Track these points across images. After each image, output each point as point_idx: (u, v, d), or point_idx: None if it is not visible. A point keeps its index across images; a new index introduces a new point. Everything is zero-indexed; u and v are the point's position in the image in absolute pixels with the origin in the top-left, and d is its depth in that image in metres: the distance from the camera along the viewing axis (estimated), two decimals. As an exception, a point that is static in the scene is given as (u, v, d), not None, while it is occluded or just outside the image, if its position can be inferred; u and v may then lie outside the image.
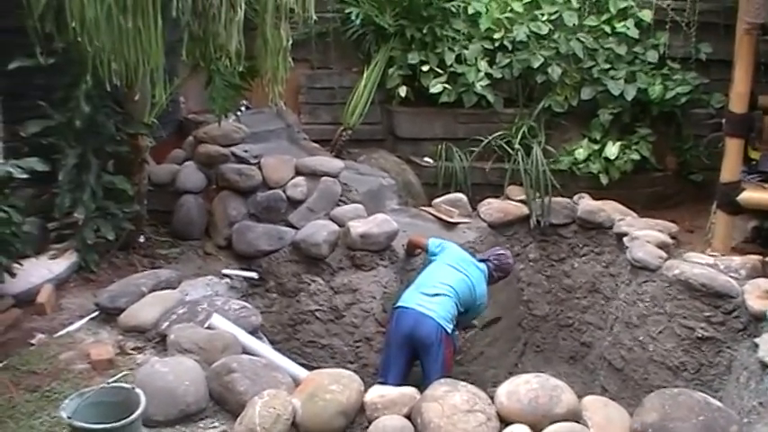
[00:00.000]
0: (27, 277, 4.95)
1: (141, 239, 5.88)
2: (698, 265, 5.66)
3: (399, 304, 5.38)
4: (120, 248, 5.66)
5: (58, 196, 5.21)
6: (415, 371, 5.37)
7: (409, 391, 3.81)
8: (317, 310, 5.93)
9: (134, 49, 4.58)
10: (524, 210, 6.97)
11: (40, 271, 5.09)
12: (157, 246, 5.97)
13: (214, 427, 3.72)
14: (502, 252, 5.96)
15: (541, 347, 7.12)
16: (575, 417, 3.59)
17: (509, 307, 6.89)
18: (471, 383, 3.89)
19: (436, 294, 5.31)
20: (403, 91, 7.43)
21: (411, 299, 5.32)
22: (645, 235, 6.16)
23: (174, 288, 5.08)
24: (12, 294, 4.81)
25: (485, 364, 6.47)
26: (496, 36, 7.41)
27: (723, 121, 6.30)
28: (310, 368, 5.56)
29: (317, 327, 5.93)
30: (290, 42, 5.28)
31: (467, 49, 7.40)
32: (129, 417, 3.32)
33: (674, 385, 5.40)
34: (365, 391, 3.81)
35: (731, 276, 5.52)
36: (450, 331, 5.28)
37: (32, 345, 4.44)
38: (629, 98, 7.13)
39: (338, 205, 6.27)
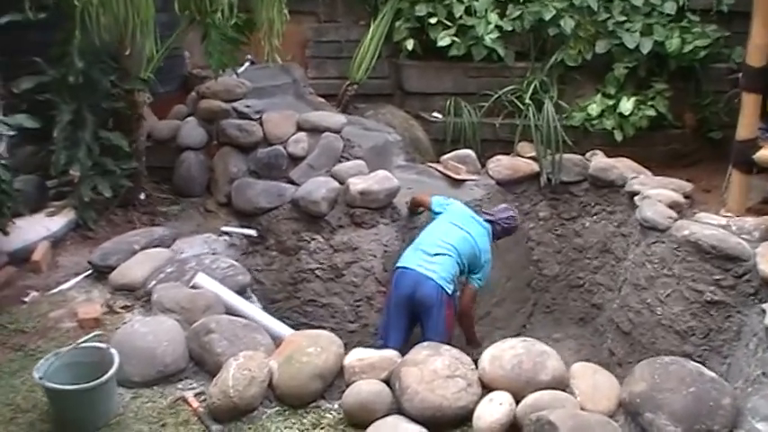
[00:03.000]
0: (23, 235, 4.96)
1: (142, 196, 5.86)
2: (709, 226, 5.44)
3: (399, 264, 5.26)
4: (119, 206, 5.64)
5: (54, 154, 5.17)
6: (416, 332, 5.28)
7: (390, 354, 3.71)
8: (317, 268, 5.84)
9: (123, 3, 4.51)
10: (535, 167, 6.80)
11: (36, 229, 5.09)
12: (158, 203, 5.94)
13: (192, 387, 3.67)
14: (511, 214, 5.73)
15: (551, 308, 6.99)
16: (560, 384, 3.47)
17: (518, 267, 6.76)
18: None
19: (437, 254, 5.17)
20: (410, 44, 7.28)
21: (412, 259, 5.20)
22: (657, 194, 5.95)
23: (168, 246, 5.03)
24: (7, 252, 4.81)
25: (491, 325, 6.35)
26: (507, -13, 7.20)
27: (740, 74, 6.01)
28: (310, 327, 5.57)
29: (317, 285, 5.85)
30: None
31: (476, 0, 7.19)
32: (101, 377, 3.29)
33: (681, 350, 5.28)
34: (346, 353, 3.70)
35: (743, 238, 5.29)
36: (450, 292, 5.16)
37: (25, 302, 4.45)
38: (645, 52, 6.86)
39: (340, 161, 6.13)
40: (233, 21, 5.06)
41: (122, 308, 4.37)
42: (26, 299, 4.48)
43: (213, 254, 5.06)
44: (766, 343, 4.34)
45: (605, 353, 6.08)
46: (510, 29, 7.17)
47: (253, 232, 5.82)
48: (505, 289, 6.53)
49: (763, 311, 4.51)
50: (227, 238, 5.66)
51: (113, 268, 4.63)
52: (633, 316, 5.77)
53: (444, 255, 5.17)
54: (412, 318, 5.19)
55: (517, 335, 6.35)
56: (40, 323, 4.20)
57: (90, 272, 4.77)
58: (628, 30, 6.96)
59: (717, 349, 5.22)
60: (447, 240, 5.24)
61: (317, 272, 5.85)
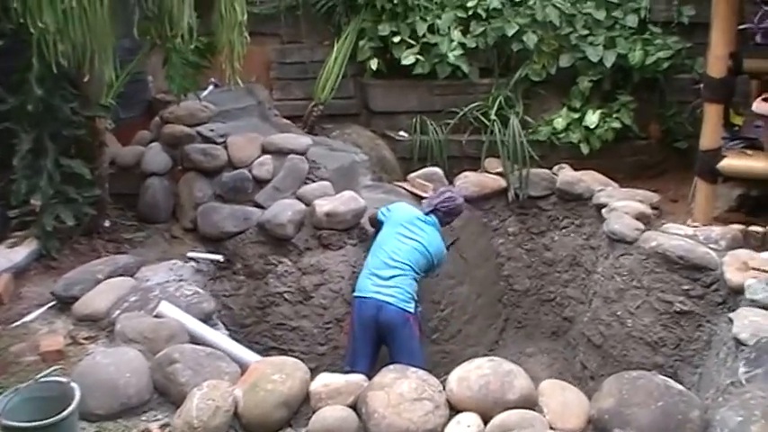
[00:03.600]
0: (-17, 266, 4.85)
1: (106, 224, 5.74)
2: (676, 237, 5.47)
3: (357, 294, 5.27)
4: (83, 234, 5.52)
5: (15, 183, 5.08)
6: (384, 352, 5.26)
7: (356, 378, 3.66)
8: (285, 291, 5.77)
9: (80, 30, 4.46)
10: (502, 182, 6.81)
11: (-2, 260, 4.98)
12: (122, 230, 5.84)
13: (156, 419, 3.58)
14: (448, 195, 5.67)
15: (523, 323, 6.98)
16: (529, 403, 3.44)
17: (488, 283, 6.75)
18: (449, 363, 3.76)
19: (391, 277, 5.16)
20: (375, 63, 7.28)
21: (366, 286, 5.19)
22: (623, 206, 5.98)
23: (132, 274, 4.93)
24: (-32, 285, 4.70)
25: (463, 343, 6.32)
26: (470, 4, 7.22)
27: (701, 86, 6.06)
28: (281, 351, 5.52)
29: (285, 309, 5.78)
30: (245, 17, 5.15)
31: (439, 18, 7.22)
32: (62, 412, 3.21)
33: (652, 361, 5.29)
34: (311, 379, 3.65)
35: (710, 248, 5.34)
36: (413, 310, 5.17)
37: (-15, 337, 4.33)
38: (609, 65, 6.91)
39: (306, 183, 6.09)
40: (193, 45, 5.01)
41: (86, 339, 4.26)
42: (-13, 333, 4.38)
43: (179, 280, 4.97)
44: (735, 352, 4.33)
45: (578, 366, 6.08)
46: (473, 45, 7.18)
47: (219, 257, 5.75)
48: (476, 305, 6.51)
49: (731, 320, 4.52)
50: (193, 264, 5.57)
51: (77, 298, 4.53)
52: (604, 329, 5.77)
53: (398, 276, 5.16)
54: (378, 341, 5.19)
55: (490, 351, 6.37)
56: (1, 357, 4.08)
57: (53, 303, 4.66)
58: (591, 43, 7.00)
59: (688, 359, 5.24)
60: (397, 258, 5.22)
61: (285, 295, 5.78)
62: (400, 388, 3.42)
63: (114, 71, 4.91)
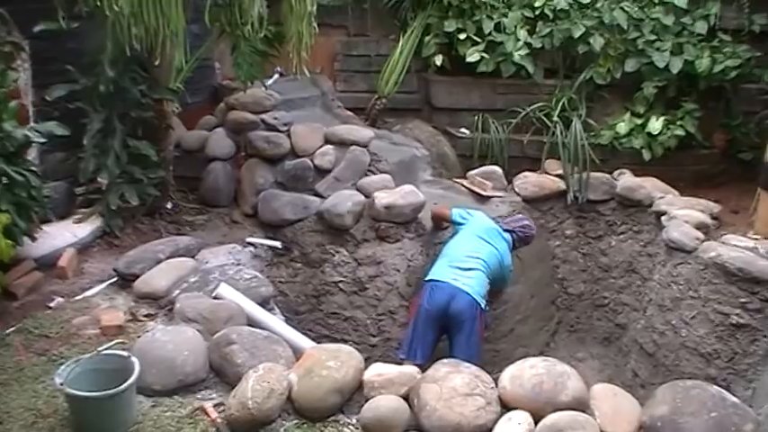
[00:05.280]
0: (50, 241, 4.99)
1: (168, 206, 5.89)
2: (736, 249, 5.40)
3: (432, 278, 5.27)
4: (145, 214, 5.68)
5: (83, 161, 5.23)
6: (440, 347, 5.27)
7: (410, 370, 3.69)
8: (340, 281, 5.84)
9: (154, 14, 4.57)
10: (561, 185, 6.78)
11: (63, 235, 5.14)
12: (184, 212, 5.97)
13: (211, 398, 3.66)
14: (526, 223, 5.85)
15: (575, 327, 6.93)
16: (581, 405, 3.43)
17: (543, 284, 6.72)
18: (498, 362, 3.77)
19: (470, 269, 5.22)
20: (439, 59, 7.30)
21: (444, 273, 5.22)
22: (684, 215, 5.91)
23: (193, 256, 5.04)
24: (34, 258, 4.83)
25: (515, 343, 6.30)
26: (537, 4, 7.22)
27: (772, 96, 5.96)
28: (333, 340, 5.57)
29: (340, 298, 5.85)
30: (315, 7, 5.25)
31: (506, 17, 7.22)
32: (121, 384, 3.30)
33: (705, 373, 5.22)
34: (365, 368, 3.69)
35: (772, 261, 5.26)
36: (483, 307, 5.20)
37: (50, 308, 4.46)
38: (675, 71, 6.80)
39: (366, 175, 6.16)
40: (262, 33, 5.09)
41: (145, 316, 4.37)
42: (51, 304, 4.49)
43: (237, 264, 5.06)
44: (792, 368, 4.28)
45: (629, 374, 6.02)
46: (539, 46, 7.17)
47: (278, 244, 5.84)
48: (530, 306, 6.48)
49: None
50: (251, 249, 5.68)
51: (138, 276, 4.65)
52: (657, 337, 5.72)
53: (477, 270, 5.21)
54: (440, 333, 5.21)
55: (540, 353, 6.34)
56: (64, 329, 4.21)
57: (115, 279, 4.79)
58: (658, 49, 6.91)
59: (741, 373, 5.16)
60: (477, 255, 5.28)
61: (340, 285, 5.85)
62: (453, 382, 3.44)
63: (184, 56, 5.03)
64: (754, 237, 5.71)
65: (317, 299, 5.95)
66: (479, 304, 5.15)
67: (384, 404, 3.40)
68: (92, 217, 5.36)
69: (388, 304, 5.77)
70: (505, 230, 5.66)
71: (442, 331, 5.22)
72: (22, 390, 3.65)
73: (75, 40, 5.06)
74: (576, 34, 6.98)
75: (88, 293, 4.66)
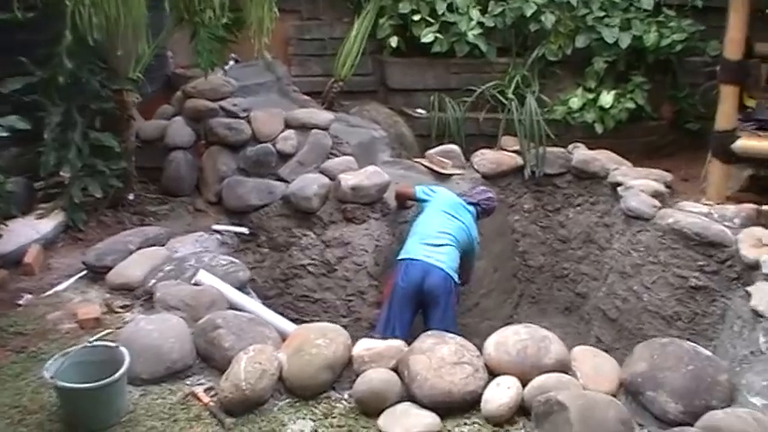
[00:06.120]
0: (14, 237, 4.92)
1: (131, 197, 5.83)
2: (692, 214, 5.61)
3: (405, 256, 5.34)
4: (108, 207, 5.62)
5: (43, 155, 5.14)
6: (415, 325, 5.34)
7: (396, 343, 3.77)
8: (308, 264, 5.88)
9: (114, 3, 4.52)
10: (518, 160, 6.92)
11: (26, 231, 5.05)
12: (147, 203, 5.92)
13: (200, 383, 3.67)
14: (489, 195, 5.95)
15: (536, 298, 7.10)
16: (564, 367, 3.56)
17: (504, 258, 6.86)
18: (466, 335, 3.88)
19: (441, 245, 5.31)
20: (394, 41, 7.33)
21: (417, 250, 5.30)
22: (639, 184, 6.11)
23: (162, 245, 5.03)
24: (-1, 255, 4.77)
25: (480, 316, 6.44)
26: (488, -17, 7.29)
27: (718, 68, 6.16)
28: (303, 323, 5.58)
29: (309, 281, 5.89)
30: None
31: (459, -3, 7.28)
32: (112, 375, 3.30)
33: (667, 335, 5.39)
34: (352, 344, 3.76)
35: (725, 225, 5.48)
36: (456, 281, 5.31)
37: (20, 305, 4.40)
38: (624, 46, 7.00)
39: (329, 158, 6.19)
40: (224, 20, 5.08)
41: (121, 308, 4.35)
42: (21, 302, 4.43)
43: (204, 252, 5.06)
44: (752, 324, 4.47)
45: (592, 340, 6.17)
46: (492, 25, 7.26)
47: (244, 230, 5.85)
48: (493, 280, 6.62)
49: (748, 294, 4.65)
50: (218, 236, 5.66)
51: (110, 268, 4.62)
52: (620, 303, 5.91)
53: (447, 245, 5.31)
54: (416, 310, 5.29)
55: (505, 324, 6.45)
56: (39, 325, 4.17)
57: (84, 273, 4.75)
58: (607, 25, 7.08)
59: (702, 333, 5.37)
60: (447, 231, 5.38)
61: (308, 267, 5.89)
62: (440, 352, 3.54)
63: (147, 45, 5.00)
64: (707, 203, 5.93)
65: (285, 282, 5.97)
66: (453, 278, 5.26)
67: (377, 377, 3.48)
68: (54, 212, 5.27)
69: (357, 284, 5.83)
70: (469, 203, 5.75)
71: (418, 308, 5.30)
72: (3, 388, 3.61)
73: (28, 32, 4.94)
74: (528, 12, 7.09)
75: (58, 288, 4.61)
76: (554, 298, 7.04)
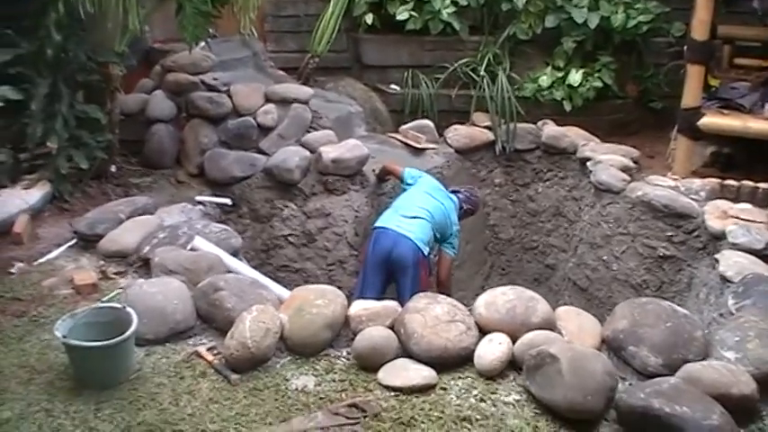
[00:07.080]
0: (2, 207, 4.97)
1: (113, 169, 5.89)
2: (660, 188, 5.88)
3: (378, 225, 5.48)
4: (92, 178, 5.67)
5: (30, 126, 5.17)
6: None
7: (391, 304, 3.96)
8: (289, 234, 6.03)
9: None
10: (490, 136, 7.12)
11: (14, 201, 5.08)
12: (129, 175, 5.99)
13: (203, 343, 3.80)
14: (474, 193, 6.13)
15: (507, 270, 7.33)
16: (550, 325, 3.76)
17: (475, 231, 7.06)
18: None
19: (414, 217, 5.42)
20: (369, 18, 7.46)
21: (390, 220, 5.42)
22: (608, 159, 6.36)
23: (152, 214, 5.12)
24: (-14, 225, 4.82)
25: (453, 287, 6.58)
26: (462, -37, 7.43)
27: (685, 48, 6.42)
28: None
29: (290, 251, 6.04)
30: (262, -31, 5.29)
31: (433, -24, 7.41)
32: (122, 335, 3.41)
33: (636, 302, 5.67)
34: (348, 306, 3.93)
35: (692, 198, 5.75)
36: (426, 254, 5.42)
37: (12, 273, 4.47)
38: (592, 26, 7.21)
39: (308, 132, 6.33)
40: (209, -5, 5.16)
41: (115, 273, 4.44)
42: (13, 270, 4.50)
43: (193, 221, 5.17)
44: (720, 289, 4.73)
45: (562, 309, 6.43)
46: (465, 4, 7.43)
47: (227, 201, 5.96)
48: (465, 251, 6.81)
49: (716, 261, 4.91)
50: (201, 207, 5.76)
51: (101, 237, 4.71)
52: (590, 273, 6.16)
53: (421, 218, 5.42)
54: (387, 278, 5.41)
55: (476, 295, 6.64)
56: (36, 291, 4.25)
57: (74, 242, 4.82)
58: (576, 5, 7.30)
59: (669, 300, 5.55)
60: (424, 206, 5.50)
61: (289, 238, 6.04)
62: (434, 311, 3.72)
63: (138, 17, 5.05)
64: (674, 177, 6.19)
65: (266, 253, 6.11)
66: (421, 250, 5.35)
67: (376, 334, 3.65)
68: (39, 182, 5.32)
69: (337, 254, 6.01)
70: (453, 192, 5.91)
71: (389, 276, 5.41)
72: (8, 350, 3.69)
73: (9, 4, 4.97)
74: (500, -8, 7.28)
75: (50, 256, 4.68)
76: (524, 269, 7.28)
